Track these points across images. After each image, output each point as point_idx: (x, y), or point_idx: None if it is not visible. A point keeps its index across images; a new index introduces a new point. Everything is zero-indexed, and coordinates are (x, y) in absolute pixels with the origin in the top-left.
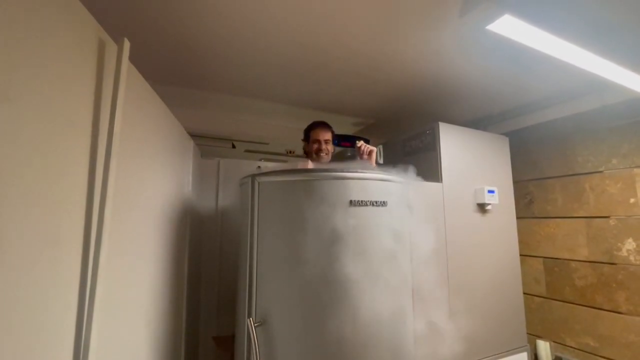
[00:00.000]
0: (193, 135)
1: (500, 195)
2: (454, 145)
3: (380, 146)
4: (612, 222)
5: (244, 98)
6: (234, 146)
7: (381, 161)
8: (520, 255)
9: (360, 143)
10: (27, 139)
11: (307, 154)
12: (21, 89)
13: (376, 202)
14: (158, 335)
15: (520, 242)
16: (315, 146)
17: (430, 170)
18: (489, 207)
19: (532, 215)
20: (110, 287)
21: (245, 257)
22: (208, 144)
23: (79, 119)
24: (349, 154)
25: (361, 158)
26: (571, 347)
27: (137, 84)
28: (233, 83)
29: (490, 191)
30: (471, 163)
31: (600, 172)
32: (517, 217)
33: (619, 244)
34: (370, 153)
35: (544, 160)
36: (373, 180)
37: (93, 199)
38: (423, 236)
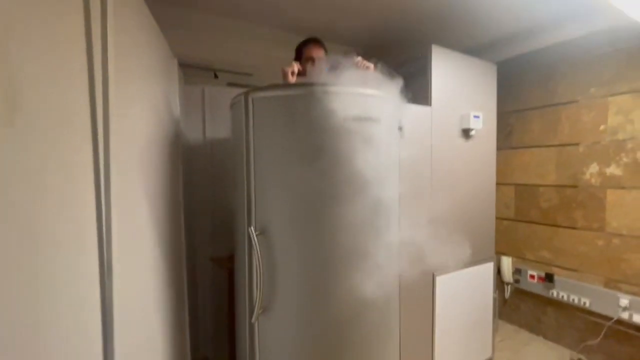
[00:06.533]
0: None
1: (484, 122)
2: (445, 70)
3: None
4: (581, 149)
5: (227, 18)
6: (216, 76)
7: None
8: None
9: (358, 58)
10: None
11: (299, 74)
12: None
13: (372, 118)
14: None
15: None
16: (310, 64)
17: (419, 94)
18: (473, 133)
19: (510, 146)
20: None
21: (242, 173)
22: (189, 73)
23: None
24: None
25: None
26: (529, 260)
27: None
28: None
29: (476, 116)
30: (460, 89)
31: (577, 101)
32: (497, 149)
33: (584, 169)
34: (367, 70)
35: (527, 91)
36: (371, 96)
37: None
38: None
